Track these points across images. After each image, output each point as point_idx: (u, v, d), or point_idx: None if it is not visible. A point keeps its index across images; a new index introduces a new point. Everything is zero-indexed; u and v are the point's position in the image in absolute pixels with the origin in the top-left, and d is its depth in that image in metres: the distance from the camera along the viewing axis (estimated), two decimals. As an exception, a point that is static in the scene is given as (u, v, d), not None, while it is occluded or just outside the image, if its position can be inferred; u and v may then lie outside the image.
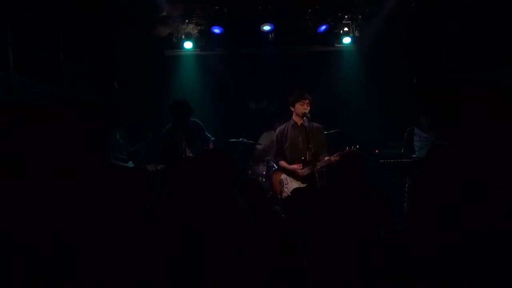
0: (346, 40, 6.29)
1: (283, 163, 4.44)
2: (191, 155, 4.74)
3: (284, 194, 4.40)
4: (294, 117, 4.46)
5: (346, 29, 6.26)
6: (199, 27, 6.36)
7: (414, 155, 4.89)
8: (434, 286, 2.63)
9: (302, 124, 4.38)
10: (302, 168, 4.31)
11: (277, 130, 4.59)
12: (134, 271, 2.63)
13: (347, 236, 2.97)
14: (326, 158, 4.24)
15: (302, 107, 4.35)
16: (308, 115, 4.31)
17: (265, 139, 6.18)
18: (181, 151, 4.70)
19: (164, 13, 6.09)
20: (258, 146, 6.09)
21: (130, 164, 4.84)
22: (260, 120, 6.68)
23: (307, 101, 4.36)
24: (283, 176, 4.45)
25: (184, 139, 4.76)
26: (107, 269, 2.61)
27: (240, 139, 5.68)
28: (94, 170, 4.23)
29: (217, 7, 5.92)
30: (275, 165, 5.42)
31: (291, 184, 4.39)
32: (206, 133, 4.99)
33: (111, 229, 2.75)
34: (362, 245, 2.93)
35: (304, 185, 4.31)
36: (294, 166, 4.36)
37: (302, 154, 4.29)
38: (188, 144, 4.77)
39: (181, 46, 6.31)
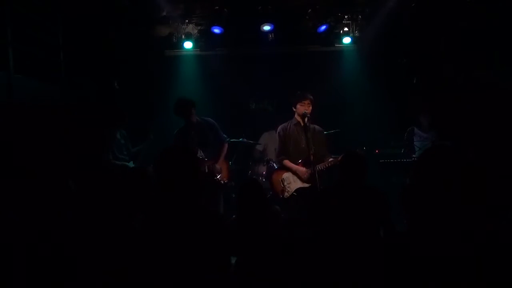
0: (346, 40, 6.30)
1: (287, 163, 4.44)
2: (202, 155, 4.67)
3: (287, 194, 4.38)
4: (296, 117, 4.49)
5: (346, 29, 6.26)
6: (199, 27, 6.36)
7: (414, 155, 4.89)
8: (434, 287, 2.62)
9: (304, 124, 4.39)
10: (305, 168, 4.32)
11: (279, 128, 4.60)
12: (129, 272, 2.64)
13: (346, 236, 2.97)
14: (331, 159, 4.26)
15: (302, 108, 4.37)
16: (308, 115, 4.32)
17: (265, 139, 6.18)
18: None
19: (164, 13, 6.08)
20: (258, 147, 6.08)
21: (131, 164, 4.83)
22: (260, 120, 6.69)
23: (307, 101, 4.38)
24: (285, 175, 4.44)
25: (196, 139, 4.69)
26: (104, 270, 2.61)
27: (240, 139, 5.67)
28: (94, 169, 4.23)
29: (217, 7, 5.92)
30: (275, 164, 5.43)
31: (294, 184, 4.37)
32: (221, 133, 4.89)
33: (108, 230, 2.75)
34: (362, 245, 2.93)
35: (308, 184, 4.31)
36: (299, 167, 4.36)
37: (304, 154, 4.29)
38: (200, 144, 4.69)
39: (181, 46, 6.31)
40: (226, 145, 4.93)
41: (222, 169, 4.79)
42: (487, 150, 4.10)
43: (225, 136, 4.96)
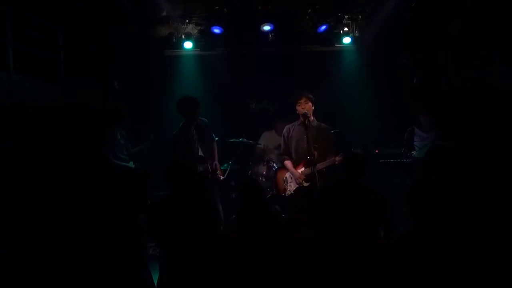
0: (346, 40, 6.29)
1: (287, 163, 4.47)
2: (202, 154, 4.75)
3: (288, 192, 4.45)
4: (301, 117, 4.51)
5: (346, 29, 6.25)
6: (199, 27, 6.35)
7: (414, 155, 4.88)
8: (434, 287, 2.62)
9: (308, 124, 4.38)
10: (306, 167, 4.33)
11: (285, 128, 4.65)
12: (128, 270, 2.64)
13: (346, 236, 2.97)
14: (332, 158, 4.27)
15: (300, 107, 4.39)
16: (308, 115, 4.32)
17: (265, 139, 6.18)
18: (194, 149, 4.73)
19: (164, 13, 6.08)
20: (259, 146, 6.08)
21: (131, 164, 4.83)
22: (260, 120, 6.68)
23: (303, 99, 4.39)
24: (288, 174, 4.49)
25: (197, 137, 4.77)
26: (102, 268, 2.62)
27: (240, 139, 5.67)
28: (93, 169, 4.22)
29: (217, 7, 5.92)
30: (275, 164, 5.44)
31: (294, 184, 4.42)
32: (212, 132, 5.00)
33: (108, 230, 2.75)
34: (362, 245, 2.94)
35: (307, 184, 4.33)
36: (295, 171, 4.38)
37: (306, 154, 4.29)
38: (199, 142, 4.78)
39: (181, 46, 6.30)
40: (214, 145, 5.02)
41: (217, 167, 4.91)
42: (487, 150, 4.09)
43: (214, 135, 5.04)
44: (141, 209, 2.93)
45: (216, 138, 5.07)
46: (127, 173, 4.39)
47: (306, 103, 4.38)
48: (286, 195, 4.46)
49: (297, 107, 4.42)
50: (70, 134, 4.16)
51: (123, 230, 2.76)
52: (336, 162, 4.17)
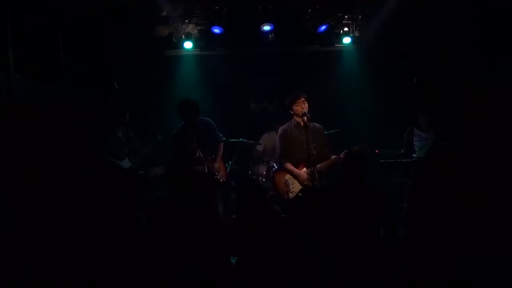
0: (346, 40, 6.29)
1: (289, 166, 4.40)
2: (201, 155, 4.69)
3: (291, 195, 4.36)
4: (296, 118, 4.48)
5: (346, 29, 6.25)
6: (199, 27, 6.35)
7: (414, 155, 4.89)
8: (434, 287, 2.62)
9: (304, 124, 4.37)
10: (307, 168, 4.31)
11: (280, 129, 4.59)
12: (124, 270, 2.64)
13: (347, 235, 2.97)
14: (334, 156, 4.25)
15: (299, 107, 4.37)
16: (308, 114, 4.31)
17: (265, 140, 6.17)
18: (191, 151, 4.66)
19: (164, 13, 6.08)
20: (259, 147, 6.08)
21: (127, 162, 4.80)
22: (260, 120, 6.69)
23: (302, 99, 4.37)
24: (288, 176, 4.42)
25: (195, 139, 4.71)
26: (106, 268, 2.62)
27: (240, 139, 5.67)
28: (88, 169, 4.23)
29: (217, 7, 5.92)
30: (275, 165, 5.42)
31: (297, 184, 4.37)
32: (218, 133, 4.93)
33: (107, 228, 2.76)
34: (362, 245, 2.93)
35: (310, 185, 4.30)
36: (300, 172, 4.35)
37: (306, 154, 4.27)
38: (199, 144, 4.71)
39: (181, 46, 6.30)
40: (222, 145, 4.96)
41: (220, 168, 4.83)
42: (487, 150, 4.10)
43: (221, 135, 4.97)
44: (134, 207, 2.93)
45: (224, 138, 5.00)
46: (115, 170, 4.43)
47: (304, 103, 4.37)
48: (290, 198, 4.35)
49: (295, 107, 4.39)
50: (69, 134, 4.17)
51: (116, 227, 2.76)
52: (341, 159, 4.13)
